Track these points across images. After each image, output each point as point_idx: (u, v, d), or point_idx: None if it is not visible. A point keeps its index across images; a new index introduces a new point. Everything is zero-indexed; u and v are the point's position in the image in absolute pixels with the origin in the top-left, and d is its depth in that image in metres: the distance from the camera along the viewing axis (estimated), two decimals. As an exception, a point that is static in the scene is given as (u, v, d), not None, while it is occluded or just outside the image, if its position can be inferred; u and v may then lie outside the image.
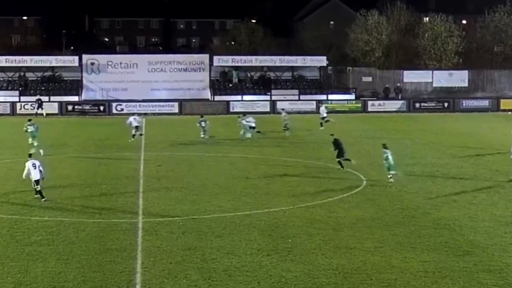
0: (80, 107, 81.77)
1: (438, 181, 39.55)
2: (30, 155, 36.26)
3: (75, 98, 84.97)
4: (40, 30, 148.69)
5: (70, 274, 23.68)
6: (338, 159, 43.37)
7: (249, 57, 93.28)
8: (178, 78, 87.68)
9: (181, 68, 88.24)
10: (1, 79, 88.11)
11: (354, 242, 27.34)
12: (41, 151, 47.08)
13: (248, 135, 56.32)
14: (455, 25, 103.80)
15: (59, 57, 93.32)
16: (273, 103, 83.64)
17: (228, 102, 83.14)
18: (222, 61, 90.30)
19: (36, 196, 34.45)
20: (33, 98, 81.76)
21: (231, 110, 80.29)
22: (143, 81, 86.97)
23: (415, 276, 23.64)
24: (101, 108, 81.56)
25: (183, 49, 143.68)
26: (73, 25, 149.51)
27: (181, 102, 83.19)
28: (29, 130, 53.02)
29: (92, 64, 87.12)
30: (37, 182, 34.41)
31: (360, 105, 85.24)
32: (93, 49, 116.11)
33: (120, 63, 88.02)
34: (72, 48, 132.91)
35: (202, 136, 57.19)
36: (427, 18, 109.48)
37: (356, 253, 25.97)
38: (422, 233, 28.68)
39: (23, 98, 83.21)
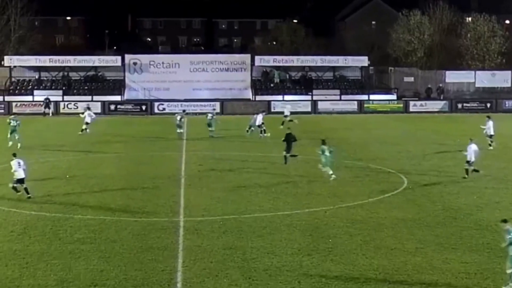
0: (122, 107, 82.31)
1: (480, 182, 39.18)
2: (14, 155, 36.28)
3: (117, 98, 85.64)
4: (84, 30, 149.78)
5: (111, 272, 23.87)
6: (284, 154, 44.77)
7: (290, 57, 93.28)
8: (219, 78, 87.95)
9: (223, 68, 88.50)
10: (45, 78, 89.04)
11: (395, 243, 27.23)
12: (19, 144, 50.47)
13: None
14: (498, 25, 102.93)
15: (102, 57, 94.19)
16: (314, 103, 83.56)
17: (269, 102, 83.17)
18: (264, 61, 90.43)
19: (18, 193, 34.79)
20: (77, 98, 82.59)
21: (272, 110, 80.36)
22: (185, 81, 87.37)
23: (456, 278, 23.50)
24: (143, 107, 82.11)
25: (225, 49, 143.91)
26: (116, 25, 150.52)
27: (222, 102, 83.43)
28: (11, 124, 54.08)
29: (135, 64, 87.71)
30: (21, 180, 34.84)
31: (401, 105, 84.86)
32: (135, 49, 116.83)
33: (162, 63, 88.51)
34: (114, 48, 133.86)
35: (210, 132, 57.76)
36: (470, 18, 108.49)
37: (396, 254, 25.87)
38: (463, 234, 28.50)
39: (66, 98, 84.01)
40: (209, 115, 59.77)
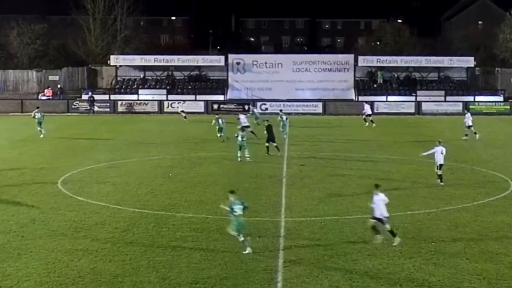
0: (225, 106, 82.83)
1: None
2: None
3: (220, 97, 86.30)
4: (188, 30, 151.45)
5: (212, 270, 23.96)
6: (266, 144, 48.05)
7: (394, 57, 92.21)
8: (322, 78, 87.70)
9: (326, 68, 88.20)
10: (150, 78, 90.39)
11: (500, 248, 26.57)
12: (42, 135, 56.43)
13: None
14: None
15: (205, 57, 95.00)
16: (418, 104, 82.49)
17: (372, 102, 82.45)
18: (367, 61, 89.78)
19: None
20: (180, 97, 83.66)
21: (375, 111, 79.67)
22: (288, 81, 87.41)
23: None
24: (246, 107, 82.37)
25: (328, 49, 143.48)
26: (220, 25, 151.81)
27: (325, 102, 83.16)
28: (36, 117, 58.62)
29: (238, 63, 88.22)
30: None
31: (508, 107, 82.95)
32: (238, 48, 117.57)
33: (265, 63, 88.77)
34: (218, 47, 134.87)
35: (219, 135, 56.52)
36: None
37: (502, 259, 25.24)
38: None
39: (170, 97, 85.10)
40: (220, 120, 57.84)
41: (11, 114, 79.07)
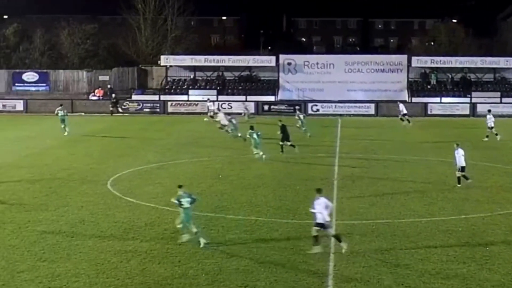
0: (276, 107, 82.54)
1: None
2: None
3: (271, 98, 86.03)
4: (239, 30, 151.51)
5: (262, 274, 23.69)
6: (280, 143, 49.08)
7: (448, 58, 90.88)
8: (375, 79, 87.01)
9: (378, 69, 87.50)
10: (200, 78, 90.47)
11: (559, 254, 25.93)
12: (66, 132, 57.70)
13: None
14: None
15: (256, 57, 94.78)
16: (473, 105, 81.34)
17: (425, 104, 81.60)
18: (421, 62, 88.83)
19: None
20: (231, 98, 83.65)
21: (428, 113, 78.75)
22: (339, 82, 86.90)
23: None
24: (297, 108, 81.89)
25: (381, 50, 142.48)
26: (271, 25, 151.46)
27: (377, 103, 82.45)
28: (59, 114, 60.03)
29: (289, 64, 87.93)
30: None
31: None
32: (290, 49, 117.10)
33: (317, 63, 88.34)
34: (269, 48, 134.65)
35: (230, 131, 57.15)
36: None
37: (562, 266, 24.61)
38: None
39: (220, 97, 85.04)
40: (233, 120, 58.02)
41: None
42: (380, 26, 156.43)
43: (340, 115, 78.37)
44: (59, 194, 35.93)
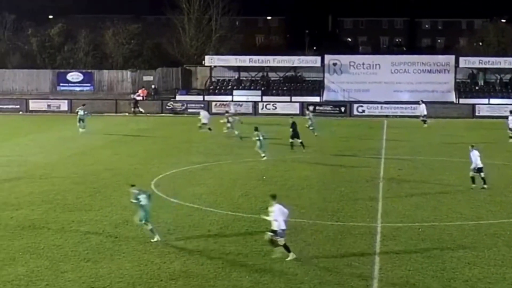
0: (321, 108, 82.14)
1: None
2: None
3: (316, 99, 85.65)
4: (284, 30, 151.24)
5: (306, 276, 23.48)
6: (291, 140, 51.12)
7: (497, 59, 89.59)
8: (421, 80, 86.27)
9: (425, 70, 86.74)
10: (244, 78, 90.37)
11: None
12: (81, 131, 59.16)
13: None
14: None
15: (301, 57, 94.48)
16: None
17: (473, 105, 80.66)
18: (469, 62, 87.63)
19: None
20: (275, 98, 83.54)
21: (476, 114, 77.83)
22: (386, 82, 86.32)
23: None
24: (342, 109, 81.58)
25: (428, 50, 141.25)
26: (316, 25, 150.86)
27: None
28: (79, 113, 60.93)
29: (334, 64, 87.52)
30: None
31: None
32: (335, 49, 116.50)
33: (363, 64, 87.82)
34: (314, 48, 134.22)
35: (225, 130, 57.79)
36: None
37: None
38: None
39: (265, 98, 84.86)
40: (230, 118, 58.92)
41: (105, 114, 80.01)
42: (427, 26, 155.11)
43: (386, 116, 77.79)
44: (103, 195, 36.02)
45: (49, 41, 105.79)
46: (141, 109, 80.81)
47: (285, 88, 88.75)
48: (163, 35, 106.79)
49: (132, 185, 28.47)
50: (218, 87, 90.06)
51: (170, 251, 26.06)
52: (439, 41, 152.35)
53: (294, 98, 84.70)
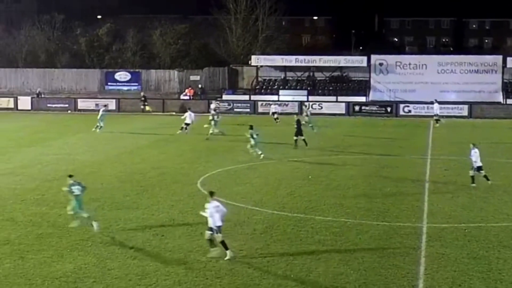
0: (367, 108, 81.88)
1: None
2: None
3: (362, 99, 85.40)
4: (330, 30, 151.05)
5: (351, 276, 23.48)
6: (294, 138, 51.92)
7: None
8: (468, 80, 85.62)
9: (472, 70, 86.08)
10: (291, 78, 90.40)
11: None
12: (98, 131, 60.57)
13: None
14: None
15: (347, 57, 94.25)
16: None
17: (519, 105, 79.95)
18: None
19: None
20: (321, 98, 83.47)
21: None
22: (432, 83, 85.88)
23: None
24: (388, 109, 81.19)
25: (475, 50, 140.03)
26: (363, 25, 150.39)
27: (470, 104, 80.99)
28: (100, 112, 62.55)
29: (381, 64, 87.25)
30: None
31: None
32: (381, 49, 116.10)
33: (409, 64, 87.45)
34: (360, 48, 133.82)
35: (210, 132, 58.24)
36: None
37: None
38: None
39: (311, 98, 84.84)
40: (216, 117, 60.31)
41: (153, 113, 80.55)
42: (474, 26, 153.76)
43: (433, 116, 77.33)
44: (150, 193, 36.27)
45: (98, 41, 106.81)
46: (148, 108, 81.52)
47: (331, 88, 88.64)
48: (210, 35, 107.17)
49: (70, 176, 29.38)
50: (264, 87, 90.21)
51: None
52: (486, 41, 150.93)
53: (340, 98, 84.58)
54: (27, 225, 29.73)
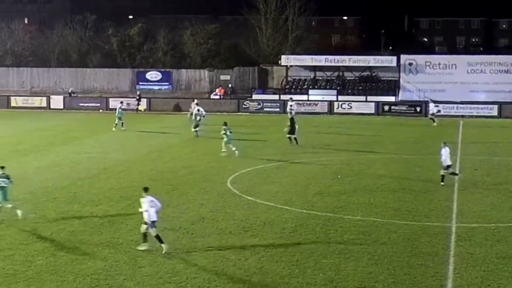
0: (396, 108, 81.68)
1: None
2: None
3: (391, 99, 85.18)
4: (360, 30, 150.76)
5: (380, 275, 23.58)
6: (288, 136, 52.72)
7: None
8: (498, 80, 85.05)
9: (502, 70, 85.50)
10: (320, 78, 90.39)
11: None
12: (114, 128, 61.95)
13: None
14: None
15: (377, 57, 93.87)
16: None
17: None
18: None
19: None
20: (350, 98, 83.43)
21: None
22: (462, 83, 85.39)
23: None
24: (418, 109, 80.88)
25: (505, 50, 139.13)
26: (392, 25, 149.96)
27: (500, 105, 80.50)
28: (118, 110, 64.05)
29: (410, 64, 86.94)
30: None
31: None
32: (411, 49, 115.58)
33: (439, 64, 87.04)
34: (390, 48, 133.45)
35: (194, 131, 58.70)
36: None
37: None
38: None
39: (340, 98, 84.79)
40: (198, 116, 60.56)
41: (183, 112, 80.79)
42: (504, 26, 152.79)
43: (462, 116, 77.04)
44: (180, 192, 36.52)
45: (129, 41, 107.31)
46: (140, 108, 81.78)
47: (360, 87, 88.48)
48: (240, 35, 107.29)
49: (2, 167, 30.42)
50: (294, 87, 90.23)
51: (245, 248, 26.37)
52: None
53: (369, 98, 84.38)
54: (59, 223, 30.08)
